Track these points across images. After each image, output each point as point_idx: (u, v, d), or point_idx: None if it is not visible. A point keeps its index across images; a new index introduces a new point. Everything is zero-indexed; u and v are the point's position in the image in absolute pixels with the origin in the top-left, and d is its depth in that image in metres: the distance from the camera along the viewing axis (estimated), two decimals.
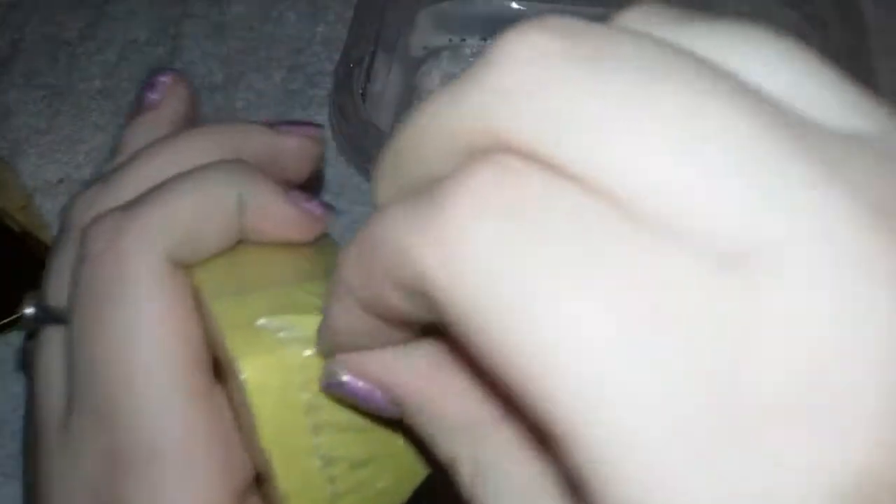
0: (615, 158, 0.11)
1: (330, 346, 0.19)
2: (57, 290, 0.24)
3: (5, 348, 0.40)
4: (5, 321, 0.39)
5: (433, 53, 0.49)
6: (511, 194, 0.12)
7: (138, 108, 0.28)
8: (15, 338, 0.40)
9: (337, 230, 0.45)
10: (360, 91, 0.39)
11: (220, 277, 0.22)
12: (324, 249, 0.25)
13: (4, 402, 0.38)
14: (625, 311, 0.11)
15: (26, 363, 0.25)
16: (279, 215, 0.24)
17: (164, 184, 0.23)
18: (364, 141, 0.37)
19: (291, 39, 0.51)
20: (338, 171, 0.46)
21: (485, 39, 0.49)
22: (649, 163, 0.11)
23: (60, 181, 0.46)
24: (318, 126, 0.28)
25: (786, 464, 0.10)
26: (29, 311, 0.24)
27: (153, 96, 0.28)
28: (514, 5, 0.48)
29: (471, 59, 0.50)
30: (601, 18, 0.13)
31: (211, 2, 0.53)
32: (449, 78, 0.49)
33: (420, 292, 0.13)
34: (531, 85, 0.12)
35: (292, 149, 0.26)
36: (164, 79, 0.28)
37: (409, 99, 0.48)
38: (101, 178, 0.25)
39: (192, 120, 0.29)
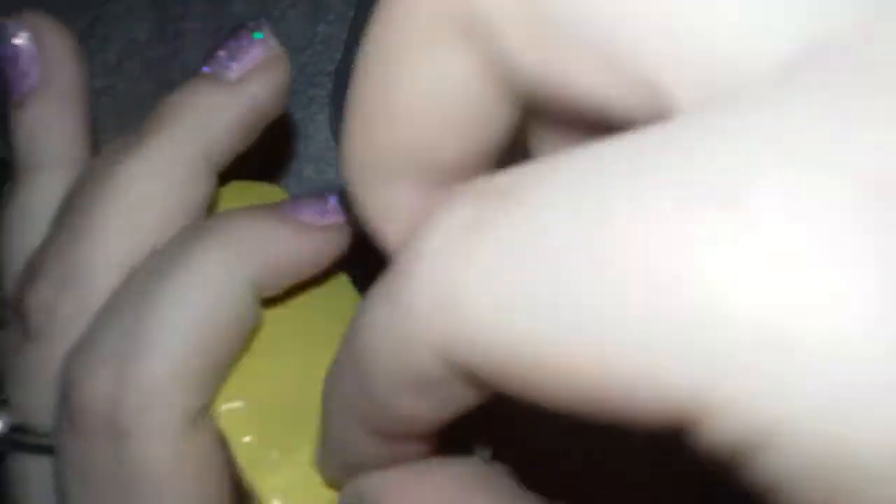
0: None
1: (336, 469, 0.16)
2: (30, 403, 0.20)
3: None
4: None
5: None
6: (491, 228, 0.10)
7: (13, 95, 0.22)
8: None
9: None
10: None
11: (253, 427, 0.19)
12: (338, 302, 0.21)
13: None
14: None
15: None
16: (316, 256, 0.20)
17: (156, 313, 0.18)
18: None
19: (292, 39, 0.51)
20: (338, 171, 0.46)
21: None
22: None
23: None
24: (264, 30, 0.22)
25: None
26: (1, 429, 0.20)
27: (25, 72, 0.22)
28: None
29: None
30: None
31: (211, 1, 0.53)
32: None
33: (451, 366, 0.11)
34: None
35: (254, 102, 0.21)
36: (22, 39, 0.22)
37: None
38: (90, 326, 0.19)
39: (82, 78, 0.23)
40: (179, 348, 0.17)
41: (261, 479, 0.18)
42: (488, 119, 0.13)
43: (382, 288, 0.12)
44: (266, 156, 0.47)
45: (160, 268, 0.18)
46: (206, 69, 0.22)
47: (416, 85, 0.12)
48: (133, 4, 0.54)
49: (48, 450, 0.19)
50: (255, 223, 0.19)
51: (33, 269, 0.19)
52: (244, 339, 0.19)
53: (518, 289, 0.10)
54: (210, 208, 0.21)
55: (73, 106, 0.23)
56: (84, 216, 0.19)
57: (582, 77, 0.11)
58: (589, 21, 0.11)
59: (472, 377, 0.11)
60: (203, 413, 0.18)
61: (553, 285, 0.10)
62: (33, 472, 0.20)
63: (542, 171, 0.10)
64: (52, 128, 0.22)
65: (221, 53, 0.22)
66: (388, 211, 0.14)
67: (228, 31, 0.22)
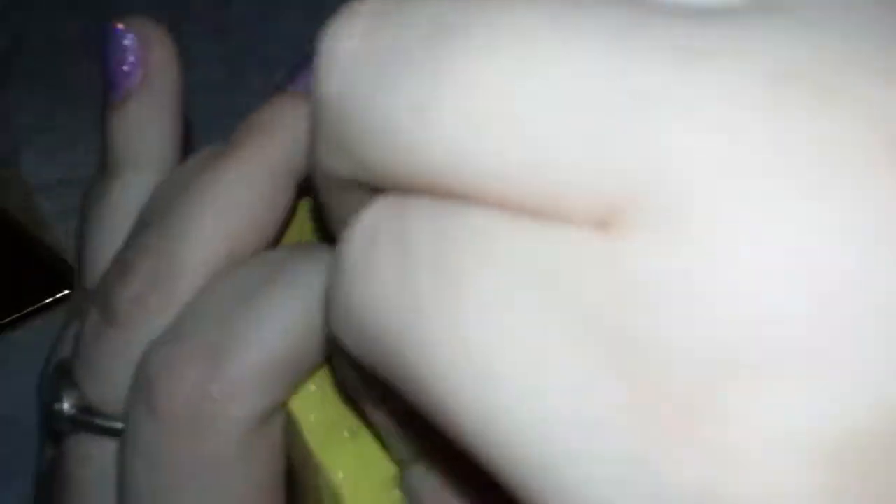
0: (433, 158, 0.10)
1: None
2: (103, 387, 0.20)
3: (6, 347, 0.40)
4: (5, 321, 0.39)
5: None
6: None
7: (114, 95, 0.23)
8: (15, 337, 0.40)
9: None
10: None
11: (320, 407, 0.20)
12: None
13: (5, 400, 0.38)
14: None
15: (44, 466, 0.22)
16: None
17: (254, 312, 0.19)
18: None
19: (292, 39, 0.51)
20: None
21: None
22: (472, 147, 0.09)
23: (61, 181, 0.46)
24: None
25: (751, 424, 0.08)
26: (68, 409, 0.20)
27: (128, 70, 0.23)
28: None
29: None
30: None
31: (212, 1, 0.53)
32: None
33: None
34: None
35: None
36: (129, 41, 0.23)
37: None
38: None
39: (181, 83, 0.25)
40: (271, 348, 0.18)
41: (328, 456, 0.19)
42: None
43: None
44: None
45: (268, 275, 0.19)
46: (292, 87, 0.24)
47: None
48: (134, 3, 0.54)
49: (114, 433, 0.20)
50: None
51: (125, 264, 0.20)
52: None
53: None
54: (291, 218, 0.22)
55: (170, 109, 0.25)
56: (176, 218, 0.20)
57: None
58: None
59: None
60: (278, 408, 0.19)
61: None
62: (96, 455, 0.21)
63: None
64: (148, 128, 0.24)
65: (307, 70, 0.23)
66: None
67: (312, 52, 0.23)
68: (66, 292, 0.39)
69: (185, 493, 0.18)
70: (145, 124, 0.23)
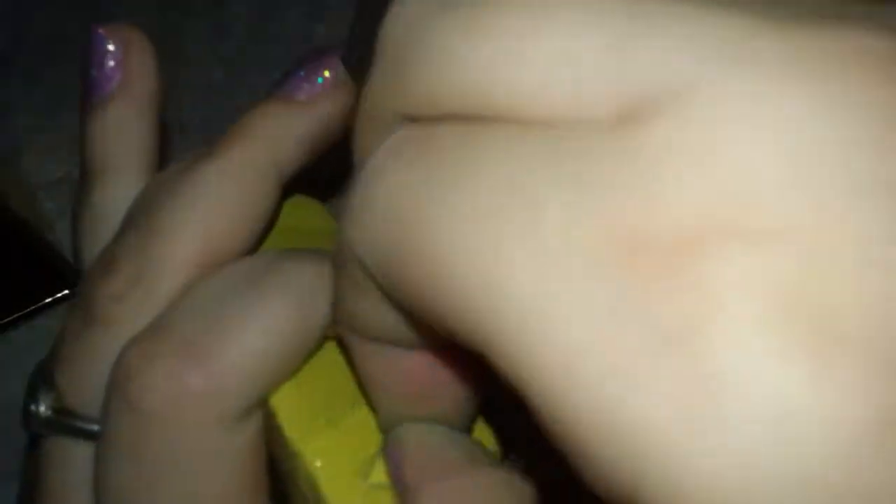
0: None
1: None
2: (81, 388, 0.20)
3: (6, 347, 0.40)
4: (5, 320, 0.39)
5: None
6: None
7: (91, 94, 0.23)
8: (15, 336, 0.40)
9: None
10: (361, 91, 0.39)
11: (295, 397, 0.20)
12: None
13: (5, 399, 0.38)
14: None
15: (27, 468, 0.22)
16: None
17: (238, 310, 0.19)
18: None
19: (293, 39, 0.51)
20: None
21: None
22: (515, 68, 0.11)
23: (62, 179, 0.46)
24: (327, 55, 0.24)
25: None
26: (43, 411, 0.20)
27: (108, 74, 0.23)
28: None
29: None
30: None
31: (212, 1, 0.53)
32: None
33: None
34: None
35: (330, 113, 0.23)
36: (112, 45, 0.24)
37: None
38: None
39: (161, 89, 0.24)
40: (254, 346, 0.18)
41: (305, 444, 0.19)
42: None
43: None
44: None
45: (254, 277, 0.19)
46: (278, 91, 0.24)
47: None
48: (133, 4, 0.55)
49: (92, 436, 0.20)
50: None
51: (106, 264, 0.20)
52: (308, 355, 0.20)
53: None
54: (275, 218, 0.22)
55: (148, 114, 0.24)
56: (159, 217, 0.20)
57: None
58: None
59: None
60: (259, 404, 0.19)
61: None
62: (74, 458, 0.20)
63: None
64: (127, 132, 0.23)
65: (294, 77, 0.23)
66: None
67: (301, 60, 0.24)
68: (66, 292, 0.39)
69: (166, 489, 0.18)
70: (124, 128, 0.23)
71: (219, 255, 0.20)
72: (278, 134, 0.21)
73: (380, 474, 0.19)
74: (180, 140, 0.48)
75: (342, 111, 0.23)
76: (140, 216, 0.21)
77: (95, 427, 0.20)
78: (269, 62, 0.51)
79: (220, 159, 0.21)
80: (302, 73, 0.23)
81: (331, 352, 0.21)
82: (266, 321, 0.18)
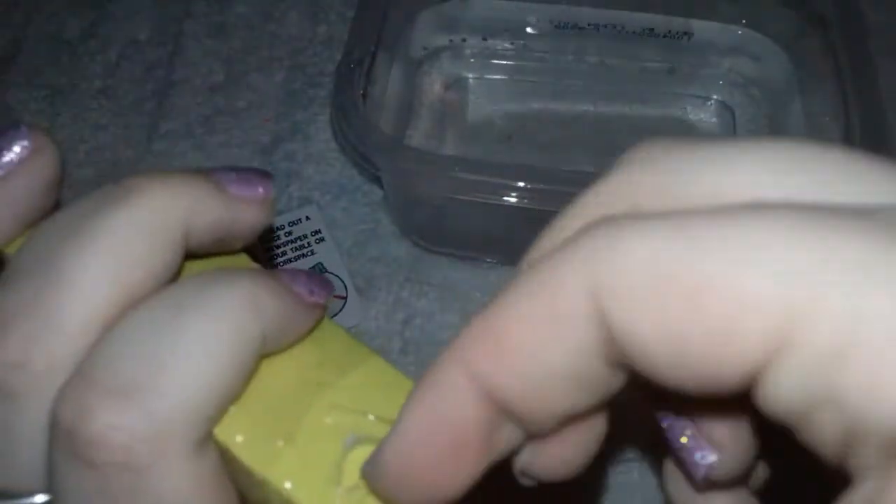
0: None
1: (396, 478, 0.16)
2: (7, 467, 0.19)
3: None
4: None
5: (434, 54, 0.49)
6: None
7: None
8: None
9: (338, 234, 0.45)
10: (361, 91, 0.39)
11: (245, 426, 0.19)
12: (318, 338, 0.22)
13: None
14: None
15: None
16: (298, 328, 0.20)
17: (170, 344, 0.17)
18: (365, 141, 0.37)
19: (292, 39, 0.51)
20: (338, 171, 0.46)
21: (485, 39, 0.49)
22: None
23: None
24: (268, 176, 0.22)
25: None
26: None
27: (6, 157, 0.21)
28: (514, 6, 0.48)
29: (471, 60, 0.50)
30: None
31: (212, 1, 0.53)
32: (450, 78, 0.49)
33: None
34: None
35: (245, 221, 0.21)
36: (18, 142, 0.22)
37: (410, 99, 0.48)
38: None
39: (54, 189, 0.22)
40: (198, 382, 0.17)
41: (269, 470, 0.19)
42: (597, 384, 0.15)
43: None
44: (266, 155, 0.47)
45: (180, 303, 0.18)
46: (208, 172, 0.22)
47: (549, 348, 0.14)
48: (134, 4, 0.55)
49: None
50: (268, 286, 0.19)
51: None
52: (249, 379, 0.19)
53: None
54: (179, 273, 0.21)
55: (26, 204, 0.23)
56: (63, 266, 0.18)
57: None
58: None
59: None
60: (210, 435, 0.18)
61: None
62: None
63: None
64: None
65: (228, 172, 0.22)
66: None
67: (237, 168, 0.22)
68: None
69: None
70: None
71: (126, 307, 0.18)
72: (189, 188, 0.20)
73: (351, 476, 0.18)
74: (182, 140, 0.47)
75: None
76: (33, 264, 0.19)
77: (38, 499, 0.18)
78: (269, 62, 0.51)
79: (128, 204, 0.19)
80: (236, 175, 0.22)
81: (263, 367, 0.20)
82: (204, 347, 0.17)
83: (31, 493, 0.18)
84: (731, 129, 0.47)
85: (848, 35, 0.41)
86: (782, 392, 0.12)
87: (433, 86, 0.49)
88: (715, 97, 0.48)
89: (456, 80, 0.49)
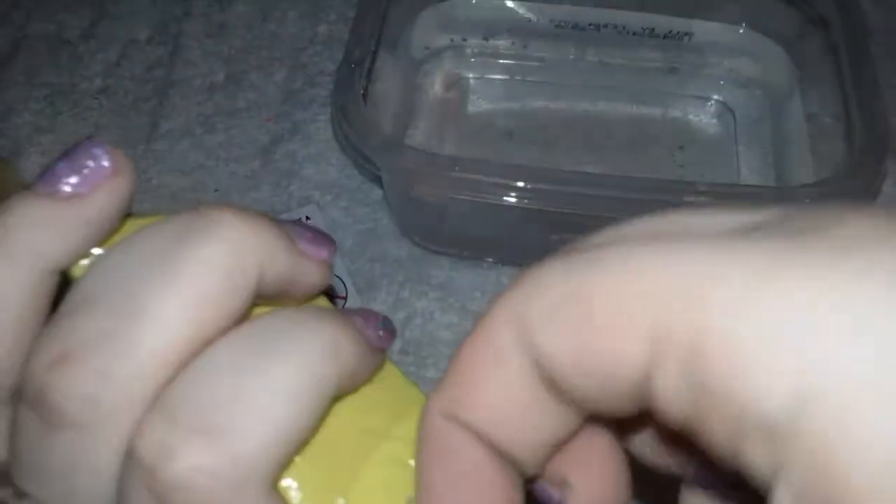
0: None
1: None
2: (64, 494, 0.18)
3: None
4: None
5: (434, 53, 0.49)
6: None
7: (47, 188, 0.20)
8: None
9: (338, 234, 0.45)
10: (362, 91, 0.39)
11: (306, 478, 0.19)
12: (373, 380, 0.22)
13: None
14: None
15: None
16: (367, 373, 0.20)
17: (250, 390, 0.17)
18: (365, 141, 0.37)
19: (293, 39, 0.51)
20: (338, 171, 0.46)
21: (486, 39, 0.49)
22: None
23: None
24: (333, 242, 0.22)
25: None
26: None
27: (76, 185, 0.20)
28: (515, 5, 0.48)
29: (472, 60, 0.50)
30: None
31: (212, 1, 0.53)
32: (450, 78, 0.49)
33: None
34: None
35: (308, 279, 0.21)
36: (99, 159, 0.21)
37: (411, 99, 0.48)
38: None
39: (126, 211, 0.21)
40: (280, 428, 0.17)
41: None
42: (555, 410, 0.16)
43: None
44: (266, 155, 0.47)
45: (263, 346, 0.18)
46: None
47: (494, 387, 0.16)
48: (134, 3, 0.55)
49: None
50: (348, 333, 0.19)
51: (59, 355, 0.18)
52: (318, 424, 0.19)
53: None
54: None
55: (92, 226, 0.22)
56: (137, 300, 0.19)
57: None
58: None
59: None
60: (278, 480, 0.18)
61: None
62: None
63: None
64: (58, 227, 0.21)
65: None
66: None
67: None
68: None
69: None
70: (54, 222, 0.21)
71: (200, 346, 0.18)
72: (270, 241, 0.20)
73: None
74: (182, 140, 0.47)
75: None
76: (111, 294, 0.18)
77: None
78: (269, 62, 0.51)
79: (212, 242, 0.19)
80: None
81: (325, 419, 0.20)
82: (286, 392, 0.17)
83: None
84: (732, 129, 0.47)
85: (848, 35, 0.41)
86: (670, 394, 0.14)
87: (433, 86, 0.49)
88: (715, 97, 0.48)
89: (456, 79, 0.49)
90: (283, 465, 0.18)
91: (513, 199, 0.35)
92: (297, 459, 0.19)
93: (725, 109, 0.48)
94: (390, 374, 0.21)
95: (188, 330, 0.17)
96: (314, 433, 0.19)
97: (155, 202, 0.45)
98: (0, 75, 0.50)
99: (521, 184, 0.35)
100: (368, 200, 0.45)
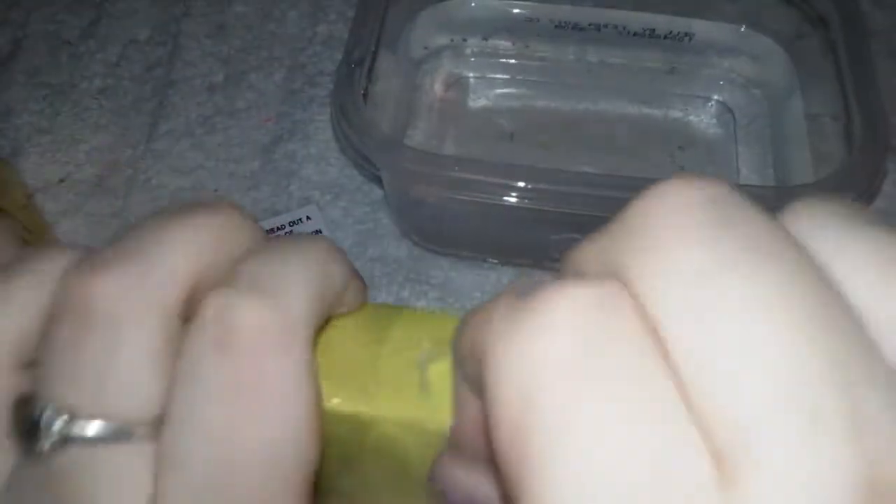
0: (696, 342, 0.12)
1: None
2: (107, 394, 0.19)
3: None
4: None
5: (434, 53, 0.49)
6: (597, 319, 0.13)
7: None
8: None
9: (338, 234, 0.45)
10: (362, 91, 0.39)
11: (335, 390, 0.22)
12: (354, 313, 0.25)
13: None
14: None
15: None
16: (355, 297, 0.24)
17: (283, 272, 0.21)
18: (365, 141, 0.37)
19: (292, 39, 0.51)
20: (338, 171, 0.46)
21: (486, 39, 0.49)
22: (721, 368, 0.12)
23: (61, 180, 0.46)
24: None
25: None
26: (93, 431, 0.18)
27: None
28: (515, 5, 0.48)
29: (472, 59, 0.50)
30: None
31: (212, 1, 0.53)
32: (450, 78, 0.49)
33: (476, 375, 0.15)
34: (664, 242, 0.14)
35: (350, 299, 0.24)
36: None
37: (410, 99, 0.48)
38: None
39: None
40: (309, 294, 0.21)
41: (374, 409, 0.21)
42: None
43: None
44: (266, 155, 0.47)
45: (283, 255, 0.22)
46: None
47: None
48: (134, 3, 0.55)
49: (126, 436, 0.19)
50: (340, 254, 0.23)
51: (92, 265, 0.19)
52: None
53: None
54: None
55: None
56: (154, 234, 0.21)
57: None
58: None
59: None
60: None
61: None
62: (102, 465, 0.18)
63: None
64: None
65: None
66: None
67: None
68: None
69: (253, 425, 0.19)
70: None
71: (205, 286, 0.20)
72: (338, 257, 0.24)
73: (438, 385, 0.21)
74: (181, 140, 0.47)
75: (350, 305, 0.26)
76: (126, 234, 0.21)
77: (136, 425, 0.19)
78: (269, 62, 0.51)
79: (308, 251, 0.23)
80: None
81: (323, 342, 0.22)
82: (305, 276, 0.21)
83: (129, 419, 0.19)
84: (731, 129, 0.47)
85: (848, 35, 0.41)
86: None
87: (433, 85, 0.49)
88: (715, 97, 0.48)
89: (456, 79, 0.49)
90: (320, 322, 0.21)
91: (513, 199, 0.35)
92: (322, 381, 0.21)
93: (725, 109, 0.48)
94: (365, 306, 0.25)
95: (197, 266, 0.20)
96: (322, 360, 0.21)
97: (155, 202, 0.45)
98: (0, 75, 0.50)
99: (521, 184, 0.35)
100: (368, 200, 0.45)
